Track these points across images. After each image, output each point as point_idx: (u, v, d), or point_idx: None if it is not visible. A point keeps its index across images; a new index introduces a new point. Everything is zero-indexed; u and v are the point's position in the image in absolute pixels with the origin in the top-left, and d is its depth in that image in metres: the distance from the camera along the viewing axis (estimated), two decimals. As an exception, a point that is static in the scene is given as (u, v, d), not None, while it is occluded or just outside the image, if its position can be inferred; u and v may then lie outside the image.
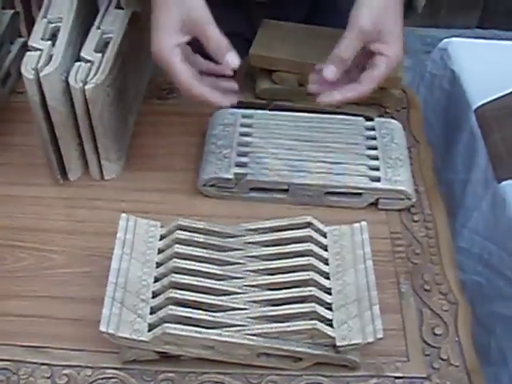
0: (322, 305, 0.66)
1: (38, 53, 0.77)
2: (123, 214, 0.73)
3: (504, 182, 0.91)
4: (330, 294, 0.67)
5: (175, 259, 0.68)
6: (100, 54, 0.79)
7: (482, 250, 0.96)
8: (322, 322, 0.65)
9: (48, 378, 0.67)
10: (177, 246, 0.70)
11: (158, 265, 0.70)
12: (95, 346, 0.68)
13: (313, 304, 0.65)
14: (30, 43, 0.78)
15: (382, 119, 0.90)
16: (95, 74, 0.77)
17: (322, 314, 0.65)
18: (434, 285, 0.75)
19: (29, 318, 0.71)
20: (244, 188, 0.82)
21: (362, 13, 0.74)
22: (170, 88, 0.99)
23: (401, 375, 0.68)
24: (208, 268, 0.69)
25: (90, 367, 0.68)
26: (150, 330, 0.65)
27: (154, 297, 0.67)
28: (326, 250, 0.72)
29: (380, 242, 0.78)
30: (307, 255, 0.69)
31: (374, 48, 0.75)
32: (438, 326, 0.72)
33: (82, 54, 0.79)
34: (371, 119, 0.89)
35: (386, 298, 0.73)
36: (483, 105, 1.01)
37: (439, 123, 1.12)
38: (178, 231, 0.71)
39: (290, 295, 0.67)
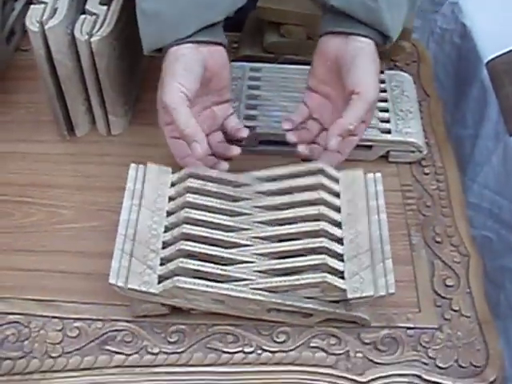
0: (333, 256, 0.65)
1: (43, 6, 0.76)
2: (132, 164, 0.72)
3: (516, 135, 0.90)
4: (341, 243, 0.66)
5: (187, 209, 0.67)
6: (105, 7, 0.78)
7: (492, 205, 0.95)
8: (332, 274, 0.64)
9: (59, 330, 0.67)
10: (188, 195, 0.68)
11: (169, 214, 0.69)
12: (105, 299, 0.69)
13: (323, 256, 0.64)
14: (35, -4, 0.77)
15: (392, 72, 0.89)
16: (101, 27, 0.76)
17: (333, 265, 0.64)
18: (446, 237, 0.75)
19: (39, 272, 0.72)
20: (253, 141, 0.81)
21: (359, 80, 0.69)
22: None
23: (412, 326, 0.68)
24: (219, 219, 0.68)
25: (101, 320, 0.68)
26: (159, 282, 0.64)
27: (164, 247, 0.66)
28: (338, 196, 0.70)
29: (391, 194, 0.77)
30: (318, 204, 0.68)
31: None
32: (450, 277, 0.71)
33: (87, 7, 0.78)
34: (381, 72, 0.88)
35: (398, 249, 0.73)
36: (494, 58, 0.99)
37: (449, 78, 1.10)
38: (190, 179, 0.69)
39: (300, 247, 0.66)
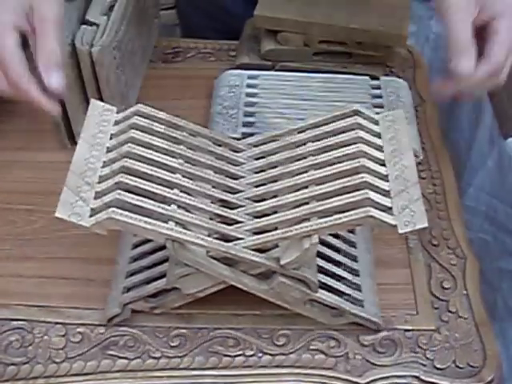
0: (377, 193, 0.60)
1: (43, 16, 0.77)
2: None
3: (511, 139, 0.92)
4: (386, 181, 0.61)
5: (130, 144, 0.62)
6: (105, 17, 0.79)
7: (488, 208, 0.97)
8: (379, 210, 0.58)
9: (62, 336, 0.68)
10: (133, 131, 0.64)
11: (110, 150, 0.64)
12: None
13: (365, 190, 0.59)
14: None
15: (388, 78, 0.90)
16: (101, 37, 0.77)
17: (378, 200, 0.59)
18: (442, 240, 0.76)
19: (42, 278, 0.72)
20: (251, 148, 0.82)
21: None
22: (174, 52, 0.99)
23: (410, 328, 0.68)
24: (166, 160, 0.63)
25: (104, 325, 0.68)
26: (91, 216, 0.59)
27: (100, 182, 0.61)
28: (378, 137, 0.65)
29: (388, 198, 0.78)
30: (356, 143, 0.63)
31: (483, 18, 0.67)
32: (447, 279, 0.72)
33: (88, 17, 0.79)
34: (377, 78, 0.89)
35: (395, 252, 0.74)
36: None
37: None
38: (136, 117, 0.65)
39: (337, 186, 0.60)
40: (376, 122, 0.67)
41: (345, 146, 0.64)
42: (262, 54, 0.93)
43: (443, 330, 0.68)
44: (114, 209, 0.58)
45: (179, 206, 0.61)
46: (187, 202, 0.61)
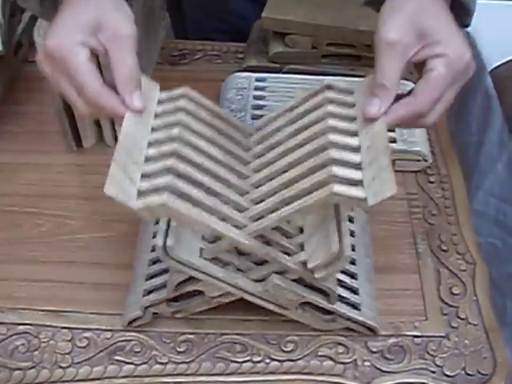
0: (348, 167, 0.56)
1: (50, 18, 0.76)
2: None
3: (521, 143, 0.91)
4: (358, 153, 0.58)
5: (179, 128, 0.59)
6: (112, 19, 0.79)
7: (497, 212, 0.96)
8: (349, 185, 0.55)
9: (68, 341, 0.67)
10: (181, 114, 0.61)
11: (154, 130, 0.61)
12: (114, 309, 0.69)
13: (329, 168, 0.55)
14: (42, 9, 0.78)
15: (397, 81, 0.89)
16: (107, 39, 0.77)
17: (345, 175, 0.55)
18: (451, 245, 0.75)
19: (48, 282, 0.72)
20: (259, 151, 0.81)
21: (385, 27, 0.60)
22: (181, 54, 0.99)
23: (419, 334, 0.68)
24: (213, 151, 0.60)
25: (110, 330, 0.68)
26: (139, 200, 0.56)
27: (147, 163, 0.58)
28: (352, 107, 0.62)
29: (396, 203, 0.78)
30: (324, 119, 0.60)
31: (422, 56, 0.60)
32: (456, 285, 0.72)
33: (94, 19, 0.79)
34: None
35: (404, 258, 0.74)
36: (499, 66, 1.00)
37: (453, 86, 1.11)
38: (183, 99, 0.62)
39: (305, 169, 0.57)
40: (351, 92, 0.63)
41: (314, 124, 0.61)
42: (270, 56, 0.93)
43: (453, 336, 0.68)
44: (168, 195, 0.54)
45: (221, 200, 0.59)
46: (228, 195, 0.60)
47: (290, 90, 0.86)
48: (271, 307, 0.65)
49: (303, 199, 0.56)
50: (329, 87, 0.63)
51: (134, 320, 0.67)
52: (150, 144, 0.60)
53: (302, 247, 0.62)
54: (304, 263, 0.61)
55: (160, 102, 0.63)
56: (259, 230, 0.59)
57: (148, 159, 0.58)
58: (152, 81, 0.65)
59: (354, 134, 0.60)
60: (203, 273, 0.61)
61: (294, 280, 0.63)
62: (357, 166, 0.57)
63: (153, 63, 0.94)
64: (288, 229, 0.63)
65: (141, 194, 0.56)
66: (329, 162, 0.56)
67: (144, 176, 0.57)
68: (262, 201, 0.60)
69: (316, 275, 0.61)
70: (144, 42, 0.88)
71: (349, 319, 0.66)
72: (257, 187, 0.62)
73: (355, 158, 0.57)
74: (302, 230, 0.64)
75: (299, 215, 0.58)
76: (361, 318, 0.66)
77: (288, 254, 0.62)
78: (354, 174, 0.56)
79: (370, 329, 0.67)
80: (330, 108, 0.61)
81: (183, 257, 0.60)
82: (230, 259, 0.63)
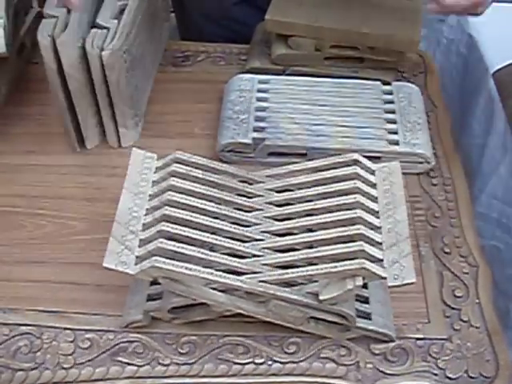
0: (371, 244, 0.62)
1: (54, 20, 0.77)
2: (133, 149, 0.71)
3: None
4: (379, 232, 0.64)
5: (170, 192, 0.65)
6: (116, 21, 0.79)
7: (500, 215, 0.96)
8: (371, 261, 0.60)
9: (71, 342, 0.67)
10: (172, 178, 0.66)
11: (152, 197, 0.67)
12: (117, 310, 0.69)
13: (360, 242, 0.61)
14: (46, 10, 0.78)
15: (400, 83, 0.89)
16: (112, 40, 0.77)
17: (372, 253, 0.61)
18: (454, 247, 0.75)
19: (51, 283, 0.72)
20: (262, 153, 0.81)
21: None
22: (184, 55, 0.99)
23: (422, 336, 0.68)
24: (204, 205, 0.65)
25: (112, 331, 0.68)
26: (136, 265, 0.62)
27: (144, 230, 0.64)
28: (374, 187, 0.68)
29: (399, 205, 0.78)
30: (354, 193, 0.66)
31: None
32: (459, 288, 0.72)
33: (98, 21, 0.79)
34: (388, 83, 0.89)
35: (406, 260, 0.73)
36: (501, 69, 0.99)
37: (456, 88, 1.11)
38: (175, 164, 0.68)
39: (335, 235, 0.62)
40: (372, 172, 0.69)
41: (343, 194, 0.66)
42: (273, 58, 0.93)
43: (455, 339, 0.68)
44: (156, 257, 0.60)
45: (217, 250, 0.63)
46: (225, 244, 0.64)
47: (292, 92, 0.86)
48: (282, 323, 0.65)
49: (332, 264, 0.60)
50: (356, 162, 0.68)
51: (133, 322, 0.67)
52: (147, 211, 0.66)
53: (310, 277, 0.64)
54: (315, 294, 0.62)
55: (157, 170, 0.69)
56: (275, 280, 0.62)
57: (145, 226, 0.64)
58: (149, 153, 0.70)
59: (377, 214, 0.65)
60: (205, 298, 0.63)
61: None
62: (379, 245, 0.62)
63: (156, 65, 0.94)
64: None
65: (138, 259, 0.62)
66: (357, 237, 0.62)
67: (142, 242, 0.63)
68: (281, 250, 0.64)
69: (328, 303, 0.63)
70: (147, 44, 0.88)
71: (360, 328, 0.66)
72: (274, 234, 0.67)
73: (378, 237, 0.63)
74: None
75: (321, 277, 0.61)
76: (372, 328, 0.66)
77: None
78: (377, 253, 0.61)
79: (385, 334, 0.67)
80: (359, 184, 0.67)
81: (184, 284, 0.62)
82: None
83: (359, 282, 0.60)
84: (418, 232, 0.76)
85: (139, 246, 0.63)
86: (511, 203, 0.94)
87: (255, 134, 0.81)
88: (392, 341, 0.67)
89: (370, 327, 0.66)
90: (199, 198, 0.66)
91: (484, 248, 0.78)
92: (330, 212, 0.65)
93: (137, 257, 0.62)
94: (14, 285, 0.72)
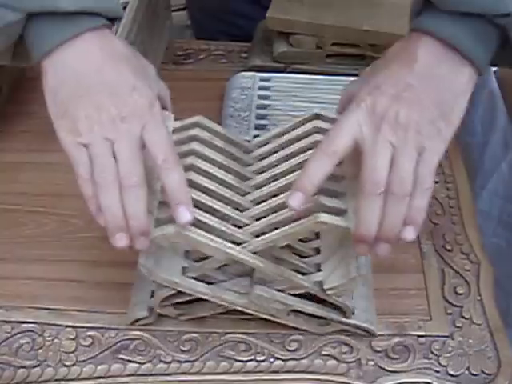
0: (332, 196, 0.59)
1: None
2: None
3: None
4: (340, 182, 0.61)
5: (193, 157, 0.61)
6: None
7: (501, 212, 0.96)
8: (335, 214, 0.57)
9: (73, 339, 0.68)
10: (195, 143, 0.62)
11: None
12: (119, 308, 0.69)
13: (316, 196, 0.57)
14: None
15: (401, 81, 0.89)
16: (113, 38, 0.77)
17: (331, 204, 0.58)
18: (456, 245, 0.75)
19: (52, 281, 0.72)
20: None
21: None
22: (186, 53, 0.99)
23: (423, 334, 0.68)
24: (227, 177, 0.63)
25: (114, 329, 0.68)
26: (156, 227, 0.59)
27: (163, 192, 0.60)
28: None
29: (401, 202, 0.78)
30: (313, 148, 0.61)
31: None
32: (460, 285, 0.72)
33: (99, 19, 0.79)
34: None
35: (408, 257, 0.73)
36: (503, 66, 0.99)
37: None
38: (197, 128, 0.64)
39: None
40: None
41: (303, 152, 0.62)
42: (275, 56, 0.93)
43: (457, 336, 0.68)
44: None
45: (235, 225, 0.61)
46: (243, 220, 0.62)
47: (294, 90, 0.86)
48: (263, 316, 0.66)
49: (289, 226, 0.58)
50: (318, 116, 0.64)
51: (138, 319, 0.67)
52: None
53: (318, 266, 0.64)
54: (319, 283, 0.62)
55: (174, 132, 0.64)
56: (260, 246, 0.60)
57: (161, 204, 0.60)
58: (166, 112, 0.65)
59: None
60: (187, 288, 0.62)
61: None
62: (341, 195, 0.59)
63: (158, 63, 0.94)
64: (303, 249, 0.65)
65: (158, 221, 0.58)
66: (317, 192, 0.57)
67: (161, 204, 0.59)
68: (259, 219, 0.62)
69: (330, 293, 0.62)
70: (149, 42, 0.88)
71: (341, 322, 0.66)
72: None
73: (340, 186, 0.60)
74: (318, 251, 0.65)
75: (282, 241, 0.60)
76: (353, 322, 0.66)
77: (301, 273, 0.63)
78: (339, 204, 0.58)
79: (367, 331, 0.67)
80: (319, 137, 0.62)
81: (164, 276, 0.61)
82: (215, 275, 0.64)
83: (363, 270, 0.59)
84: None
85: (158, 208, 0.59)
86: (513, 200, 0.94)
87: (256, 132, 0.81)
88: (374, 335, 0.67)
89: (352, 321, 0.66)
90: (220, 169, 0.63)
91: (485, 245, 0.78)
92: (290, 173, 0.62)
93: (157, 219, 0.58)
94: (16, 282, 0.72)
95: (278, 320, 0.66)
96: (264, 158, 0.66)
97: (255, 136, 0.81)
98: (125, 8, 0.81)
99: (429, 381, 0.65)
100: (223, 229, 0.59)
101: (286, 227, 0.58)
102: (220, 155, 0.64)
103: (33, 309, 0.70)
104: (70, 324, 0.69)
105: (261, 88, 0.87)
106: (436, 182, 0.81)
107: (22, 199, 0.80)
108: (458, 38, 0.54)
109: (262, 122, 0.83)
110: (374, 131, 0.54)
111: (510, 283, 0.93)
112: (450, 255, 0.74)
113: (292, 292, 0.63)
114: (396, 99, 0.53)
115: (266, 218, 0.61)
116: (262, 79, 0.88)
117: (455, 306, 0.70)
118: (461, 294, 0.71)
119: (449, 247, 0.75)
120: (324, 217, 0.56)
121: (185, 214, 0.55)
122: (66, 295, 0.71)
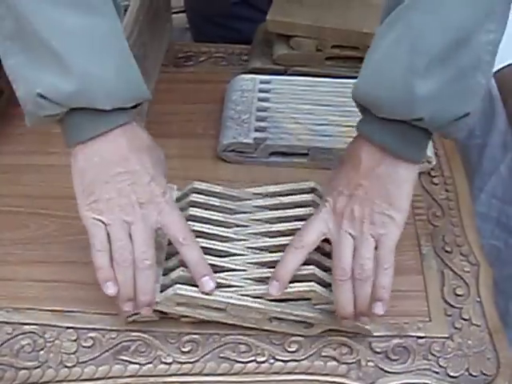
0: (323, 270, 0.65)
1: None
2: None
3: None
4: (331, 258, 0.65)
5: (190, 222, 0.67)
6: (118, 21, 0.79)
7: (500, 214, 0.96)
8: (322, 285, 0.64)
9: (74, 340, 0.68)
10: (191, 209, 0.69)
11: None
12: (119, 309, 0.69)
13: (312, 266, 0.65)
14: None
15: (401, 83, 0.89)
16: (113, 41, 0.77)
17: (322, 276, 0.65)
18: (455, 246, 0.76)
19: (53, 283, 0.72)
20: (264, 153, 0.82)
21: None
22: (186, 56, 0.99)
23: (423, 335, 0.68)
24: (220, 231, 0.69)
25: (115, 330, 0.68)
26: (162, 291, 0.65)
27: (167, 259, 0.67)
28: None
29: (400, 204, 0.78)
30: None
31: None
32: (460, 286, 0.72)
33: (100, 21, 0.79)
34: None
35: (408, 259, 0.74)
36: (502, 68, 1.00)
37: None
38: (193, 194, 0.70)
39: None
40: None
41: (299, 220, 0.68)
42: (275, 58, 0.93)
43: (456, 337, 0.68)
44: (179, 285, 0.64)
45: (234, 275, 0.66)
46: (240, 268, 0.67)
47: (294, 92, 0.87)
48: (245, 325, 0.67)
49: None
50: (313, 190, 0.71)
51: (135, 318, 0.68)
52: (169, 241, 0.67)
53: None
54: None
55: (177, 200, 0.71)
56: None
57: (168, 255, 0.67)
58: (169, 184, 0.69)
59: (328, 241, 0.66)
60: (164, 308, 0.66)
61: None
62: (330, 269, 0.65)
63: (158, 65, 0.95)
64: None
65: (163, 286, 0.65)
66: (310, 261, 0.65)
67: (165, 271, 0.66)
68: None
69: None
70: (149, 44, 0.88)
71: (325, 323, 0.67)
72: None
73: (329, 262, 0.65)
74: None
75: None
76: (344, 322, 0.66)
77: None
78: (328, 278, 0.65)
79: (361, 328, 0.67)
80: (308, 211, 0.69)
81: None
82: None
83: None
84: (419, 231, 0.77)
85: (163, 275, 0.66)
86: (511, 202, 0.94)
87: (257, 134, 0.82)
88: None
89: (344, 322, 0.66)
90: (217, 226, 0.69)
91: (483, 247, 0.78)
92: (287, 235, 0.67)
93: (162, 285, 0.65)
94: (17, 284, 0.72)
95: (261, 327, 0.67)
96: (259, 212, 0.71)
97: (255, 138, 0.81)
98: (126, 10, 0.81)
99: (428, 382, 0.65)
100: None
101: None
102: (215, 212, 0.70)
103: (34, 310, 0.70)
104: (70, 325, 0.69)
105: (261, 90, 0.87)
106: (435, 184, 0.82)
107: (24, 201, 0.80)
108: (387, 143, 0.62)
109: (262, 124, 0.83)
110: (337, 226, 0.63)
111: (508, 285, 0.93)
112: (449, 257, 0.75)
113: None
114: (350, 198, 0.63)
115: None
116: (262, 81, 0.89)
117: (455, 307, 0.70)
118: (460, 296, 0.71)
119: (448, 249, 0.75)
120: (317, 287, 0.64)
121: (209, 284, 0.64)
122: (67, 297, 0.71)
